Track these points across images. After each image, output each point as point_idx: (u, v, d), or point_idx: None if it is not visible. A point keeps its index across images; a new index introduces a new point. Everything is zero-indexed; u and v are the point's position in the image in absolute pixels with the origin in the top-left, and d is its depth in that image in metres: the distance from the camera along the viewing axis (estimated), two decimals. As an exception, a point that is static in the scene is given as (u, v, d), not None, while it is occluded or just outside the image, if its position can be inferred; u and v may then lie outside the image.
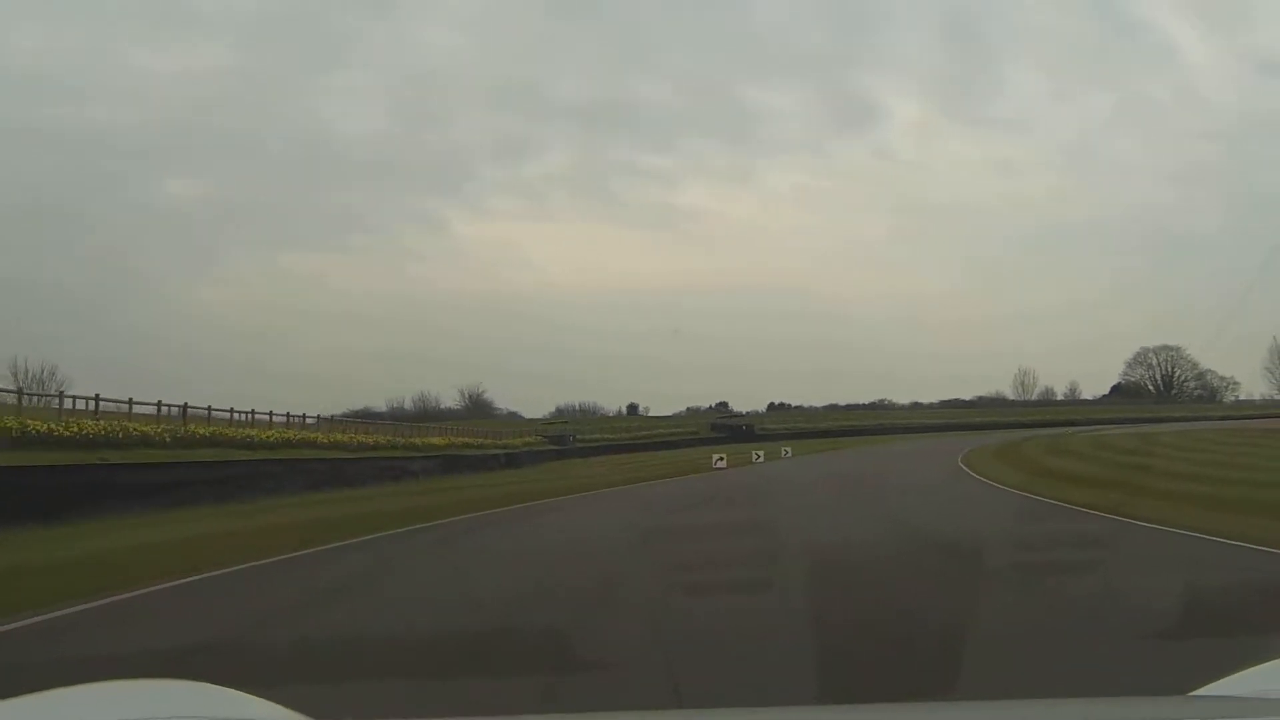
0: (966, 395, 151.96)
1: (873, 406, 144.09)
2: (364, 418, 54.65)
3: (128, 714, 1.94)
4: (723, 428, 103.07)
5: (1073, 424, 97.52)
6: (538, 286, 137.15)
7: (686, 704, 4.71)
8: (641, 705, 4.71)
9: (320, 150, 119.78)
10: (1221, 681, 2.17)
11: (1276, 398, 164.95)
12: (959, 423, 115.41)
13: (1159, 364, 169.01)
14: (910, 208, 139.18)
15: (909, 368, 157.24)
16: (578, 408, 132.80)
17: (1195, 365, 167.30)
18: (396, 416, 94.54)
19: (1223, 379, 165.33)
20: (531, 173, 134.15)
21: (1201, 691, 2.21)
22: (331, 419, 41.74)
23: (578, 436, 79.65)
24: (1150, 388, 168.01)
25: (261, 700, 2.11)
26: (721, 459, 41.34)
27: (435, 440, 46.03)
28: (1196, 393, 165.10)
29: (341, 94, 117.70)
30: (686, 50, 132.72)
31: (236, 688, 2.16)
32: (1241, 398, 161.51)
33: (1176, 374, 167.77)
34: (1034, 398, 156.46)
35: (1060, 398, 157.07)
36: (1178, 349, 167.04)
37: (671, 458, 53.61)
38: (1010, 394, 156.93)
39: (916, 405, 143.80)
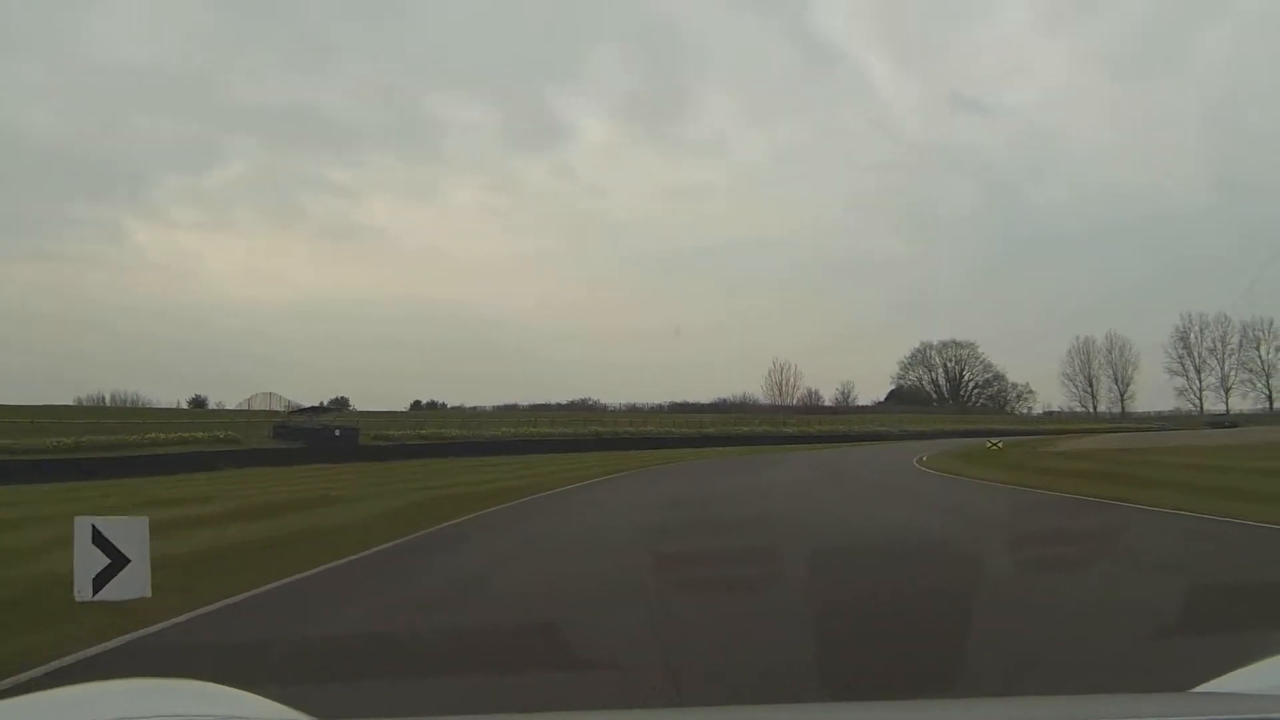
0: (704, 398, 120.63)
1: (572, 407, 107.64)
2: None
3: (128, 713, 1.99)
4: (295, 432, 60.77)
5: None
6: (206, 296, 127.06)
7: None
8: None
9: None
10: (1224, 677, 2.26)
11: (1077, 409, 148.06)
12: (721, 434, 79.56)
13: (944, 363, 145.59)
14: (596, 223, 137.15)
15: (613, 373, 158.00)
16: (109, 399, 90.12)
17: (989, 366, 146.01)
18: None
19: (1015, 385, 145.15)
20: (213, 181, 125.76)
21: (1204, 688, 2.28)
22: None
23: None
24: (931, 391, 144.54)
25: (262, 699, 2.20)
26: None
27: None
28: (982, 402, 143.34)
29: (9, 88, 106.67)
30: (373, 60, 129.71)
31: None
32: (1036, 409, 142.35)
33: (965, 376, 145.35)
34: (794, 401, 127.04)
35: (829, 402, 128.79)
36: (971, 345, 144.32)
37: None
38: (763, 396, 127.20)
39: (633, 408, 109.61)
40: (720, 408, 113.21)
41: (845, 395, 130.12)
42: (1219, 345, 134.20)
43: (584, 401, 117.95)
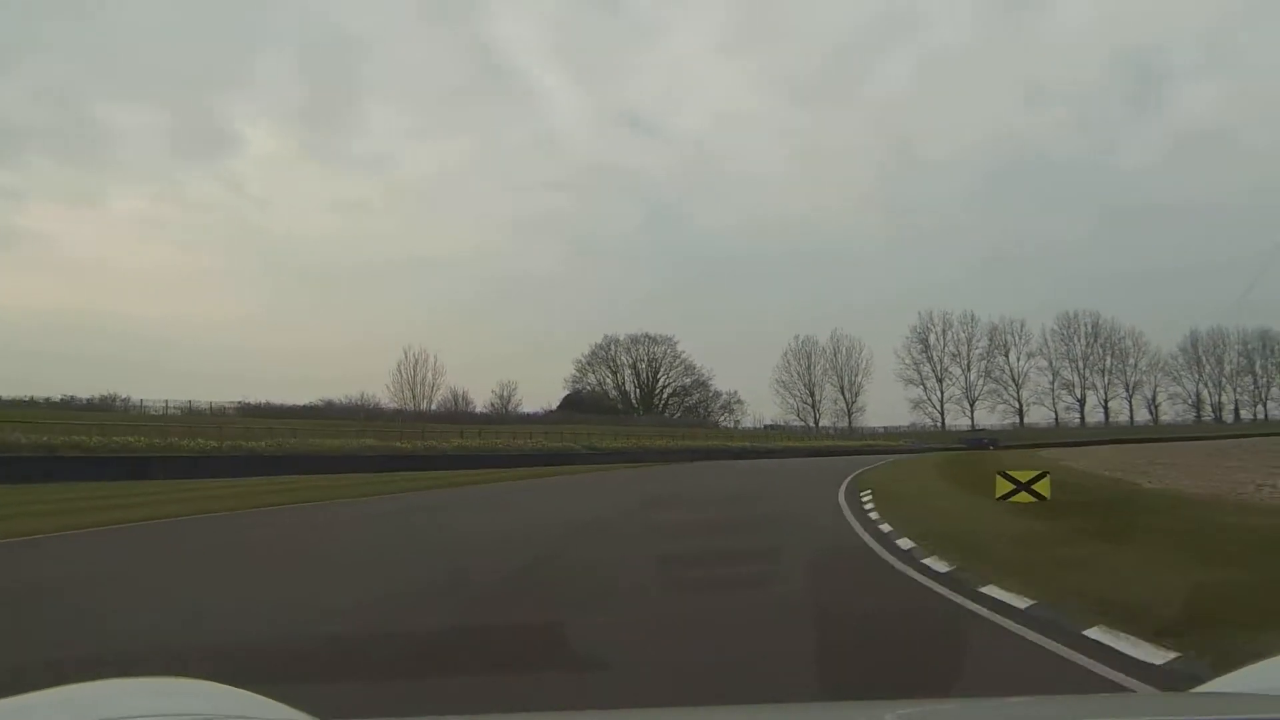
0: (305, 398, 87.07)
1: (62, 406, 70.29)
2: None
3: (129, 713, 2.02)
4: None
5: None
6: None
7: None
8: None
9: None
10: (1224, 677, 2.34)
11: (795, 423, 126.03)
12: (290, 452, 46.15)
13: (634, 363, 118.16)
14: (259, 235, 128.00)
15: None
16: None
17: (691, 368, 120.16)
18: None
19: (720, 394, 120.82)
20: None
21: (1204, 688, 2.37)
22: None
23: None
24: (617, 397, 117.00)
25: (263, 698, 2.26)
26: None
27: None
28: (679, 412, 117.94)
29: None
30: (38, 56, 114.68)
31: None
32: (744, 421, 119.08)
33: (661, 380, 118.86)
34: (433, 406, 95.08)
35: (481, 408, 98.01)
36: (669, 341, 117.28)
37: None
38: (389, 398, 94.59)
39: (190, 410, 74.90)
40: (319, 412, 79.34)
41: (504, 400, 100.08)
42: (963, 350, 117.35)
43: (108, 399, 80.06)
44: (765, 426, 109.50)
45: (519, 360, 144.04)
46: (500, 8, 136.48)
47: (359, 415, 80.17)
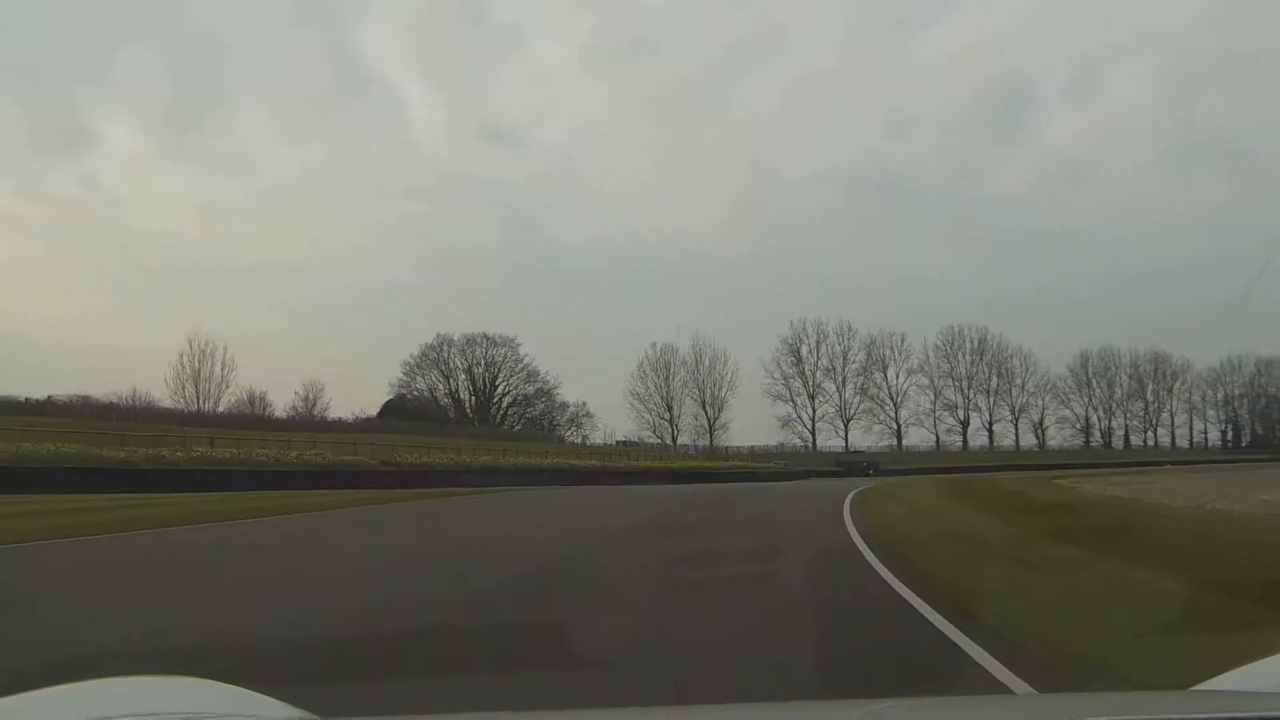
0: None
1: None
2: None
3: (129, 711, 2.04)
4: None
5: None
6: None
7: None
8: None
9: None
10: (1224, 675, 2.29)
11: (651, 440, 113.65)
12: None
13: (469, 366, 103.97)
14: (115, 235, 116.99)
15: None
16: None
17: (535, 375, 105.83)
18: None
19: (567, 406, 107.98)
20: None
21: (1204, 685, 2.31)
22: None
23: None
24: (450, 405, 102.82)
25: (264, 697, 2.26)
26: None
27: None
28: (520, 424, 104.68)
29: None
30: None
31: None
32: (594, 437, 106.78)
33: (500, 387, 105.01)
34: (220, 408, 79.84)
35: (281, 413, 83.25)
36: (510, 343, 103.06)
37: None
38: (168, 399, 79.15)
39: None
40: (60, 409, 63.74)
41: (309, 404, 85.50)
42: (838, 365, 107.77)
43: None
44: (618, 443, 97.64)
45: (360, 368, 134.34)
46: (363, 15, 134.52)
47: (120, 415, 64.70)
